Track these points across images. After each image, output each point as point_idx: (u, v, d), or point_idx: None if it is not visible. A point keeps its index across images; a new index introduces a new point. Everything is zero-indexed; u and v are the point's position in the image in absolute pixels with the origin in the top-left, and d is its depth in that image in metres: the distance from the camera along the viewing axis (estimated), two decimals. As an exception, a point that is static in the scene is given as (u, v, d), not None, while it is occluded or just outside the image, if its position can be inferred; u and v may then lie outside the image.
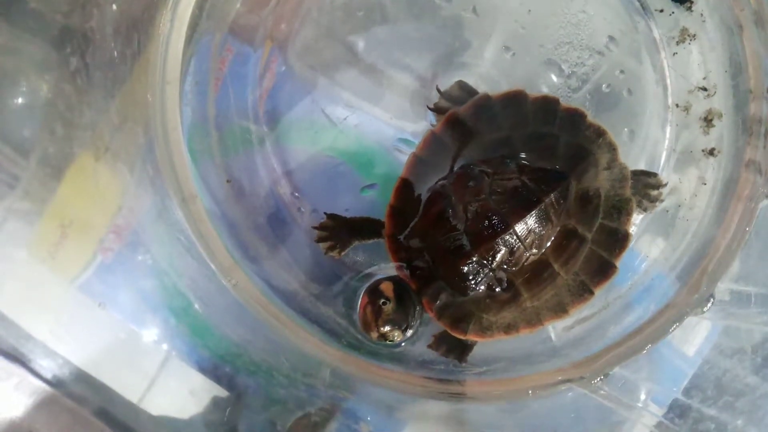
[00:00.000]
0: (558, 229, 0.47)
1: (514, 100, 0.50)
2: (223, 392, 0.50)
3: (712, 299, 0.50)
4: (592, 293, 0.48)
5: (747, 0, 0.55)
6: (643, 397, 0.51)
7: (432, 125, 0.53)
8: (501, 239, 0.45)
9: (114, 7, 0.44)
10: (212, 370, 0.50)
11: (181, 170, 0.52)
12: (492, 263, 0.46)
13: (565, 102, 0.50)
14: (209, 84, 0.55)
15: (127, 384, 0.47)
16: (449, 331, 0.48)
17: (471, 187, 0.47)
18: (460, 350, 0.51)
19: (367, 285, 0.51)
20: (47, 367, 0.45)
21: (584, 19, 0.56)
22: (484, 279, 0.47)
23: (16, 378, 0.45)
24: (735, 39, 0.55)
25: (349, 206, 0.54)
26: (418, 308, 0.49)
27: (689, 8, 0.57)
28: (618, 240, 0.48)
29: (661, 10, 0.56)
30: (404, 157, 0.53)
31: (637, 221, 0.55)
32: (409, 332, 0.49)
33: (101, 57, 0.44)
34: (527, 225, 0.46)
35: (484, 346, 0.52)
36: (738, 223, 0.52)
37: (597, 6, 0.56)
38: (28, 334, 0.45)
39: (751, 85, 0.55)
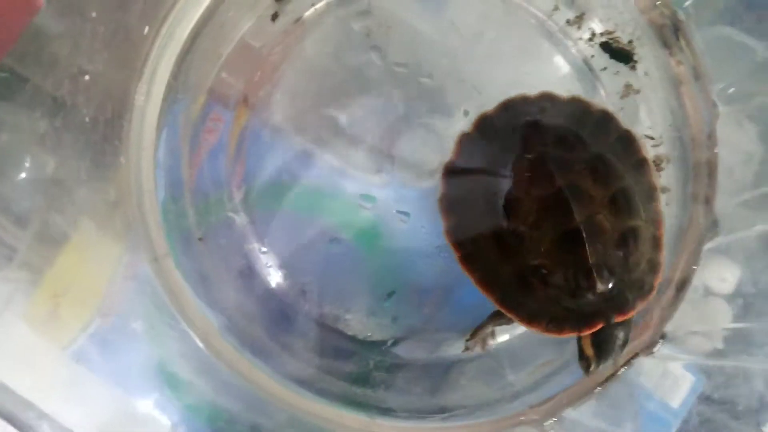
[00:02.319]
0: None
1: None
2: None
3: (662, 339, 0.51)
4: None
5: (685, 56, 0.59)
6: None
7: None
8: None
9: (87, 78, 0.48)
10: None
11: (153, 228, 0.55)
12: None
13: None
14: (183, 149, 0.58)
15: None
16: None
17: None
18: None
19: None
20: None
21: (535, 81, 0.59)
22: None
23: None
24: (676, 93, 0.59)
25: (316, 259, 0.57)
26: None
27: (633, 67, 0.61)
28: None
29: (605, 68, 0.60)
30: (367, 211, 0.56)
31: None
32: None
33: (72, 121, 0.47)
34: None
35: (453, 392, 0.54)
36: (686, 263, 0.54)
37: (547, 68, 0.60)
38: (27, 401, 0.46)
39: (693, 134, 0.58)
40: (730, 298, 0.54)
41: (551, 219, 0.47)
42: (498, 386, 0.56)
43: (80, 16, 0.47)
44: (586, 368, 0.48)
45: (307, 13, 0.60)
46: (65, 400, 0.48)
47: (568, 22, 0.60)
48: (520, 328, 0.58)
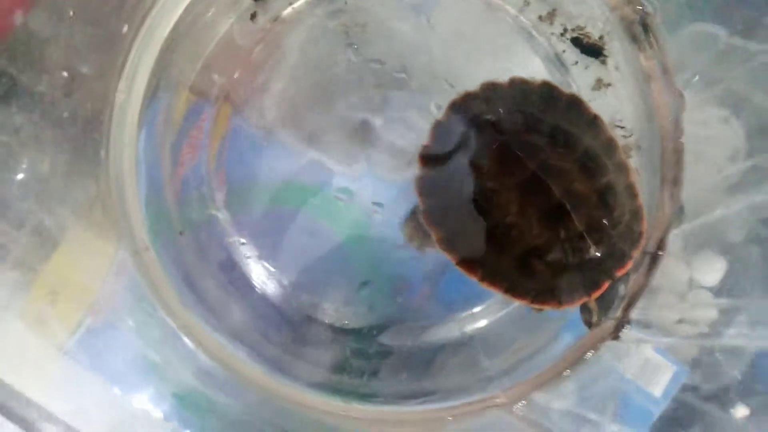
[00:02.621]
0: None
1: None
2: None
3: (628, 324, 0.53)
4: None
5: (654, 51, 0.60)
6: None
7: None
8: None
9: (65, 74, 0.50)
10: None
11: (135, 222, 0.56)
12: None
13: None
14: (164, 146, 0.60)
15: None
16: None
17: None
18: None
19: None
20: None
21: (508, 76, 0.60)
22: None
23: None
24: (645, 86, 0.61)
25: (294, 250, 0.58)
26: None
27: (603, 61, 0.62)
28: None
29: (576, 63, 0.62)
30: (343, 204, 0.58)
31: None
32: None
33: (50, 117, 0.49)
34: None
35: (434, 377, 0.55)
36: (653, 248, 0.56)
37: (519, 63, 0.62)
38: (25, 397, 0.47)
39: (662, 126, 0.60)
40: (716, 290, 0.55)
41: (533, 202, 0.49)
42: (473, 371, 0.58)
43: (58, 15, 0.48)
44: (589, 323, 0.51)
45: (286, 12, 0.61)
46: (60, 396, 0.49)
47: (540, 18, 0.62)
48: (496, 315, 0.59)
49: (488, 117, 0.51)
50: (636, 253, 0.50)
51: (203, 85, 0.61)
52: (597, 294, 0.49)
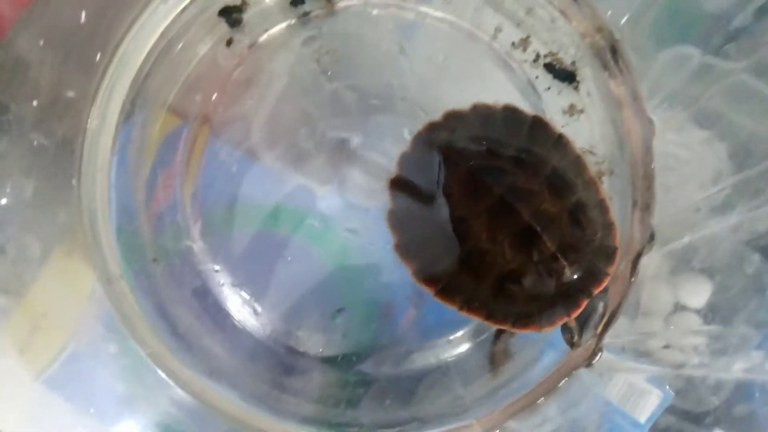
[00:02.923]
0: None
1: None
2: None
3: (600, 352, 0.53)
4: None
5: (624, 78, 0.61)
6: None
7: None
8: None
9: (35, 103, 0.50)
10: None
11: (107, 250, 0.56)
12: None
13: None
14: (139, 172, 0.59)
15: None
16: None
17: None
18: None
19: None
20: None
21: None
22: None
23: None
24: (616, 112, 0.61)
25: (268, 277, 0.58)
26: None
27: (576, 87, 0.63)
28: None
29: (549, 88, 0.62)
30: (317, 230, 0.58)
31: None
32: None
33: (20, 144, 0.49)
34: None
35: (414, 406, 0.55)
36: (624, 275, 0.56)
37: (492, 89, 0.62)
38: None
39: (633, 152, 0.60)
40: (702, 312, 0.55)
41: (503, 227, 0.49)
42: (449, 399, 0.57)
43: (29, 43, 0.48)
44: (571, 342, 0.51)
45: (262, 39, 0.62)
46: (36, 427, 0.49)
47: (513, 44, 0.62)
48: (472, 342, 0.59)
49: (453, 145, 0.52)
50: (612, 269, 0.49)
51: (179, 111, 0.61)
52: (576, 313, 0.49)
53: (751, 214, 0.53)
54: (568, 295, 0.49)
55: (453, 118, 0.53)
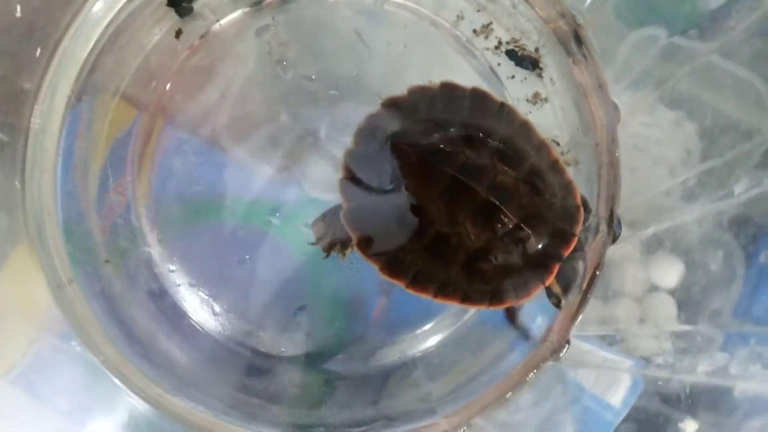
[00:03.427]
0: None
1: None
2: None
3: (567, 344, 0.52)
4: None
5: (588, 65, 0.60)
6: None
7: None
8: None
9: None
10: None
11: (56, 255, 0.53)
12: None
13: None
14: (88, 167, 0.57)
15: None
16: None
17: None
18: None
19: None
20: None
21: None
22: None
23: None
24: (580, 99, 0.60)
25: (225, 275, 0.56)
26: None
27: (539, 75, 0.61)
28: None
29: (513, 77, 0.61)
30: (275, 226, 0.56)
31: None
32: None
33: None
34: None
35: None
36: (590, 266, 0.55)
37: (454, 77, 0.60)
38: None
39: (598, 139, 0.59)
40: (675, 292, 0.55)
41: (462, 207, 0.48)
42: (416, 396, 0.56)
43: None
44: (557, 303, 0.51)
45: (214, 28, 0.59)
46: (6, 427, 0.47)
47: (474, 31, 0.61)
48: (439, 336, 0.58)
49: (396, 133, 0.50)
50: (577, 229, 0.49)
51: (128, 105, 0.58)
52: (550, 278, 0.48)
53: (721, 194, 0.52)
54: (539, 263, 0.48)
55: (392, 105, 0.51)
